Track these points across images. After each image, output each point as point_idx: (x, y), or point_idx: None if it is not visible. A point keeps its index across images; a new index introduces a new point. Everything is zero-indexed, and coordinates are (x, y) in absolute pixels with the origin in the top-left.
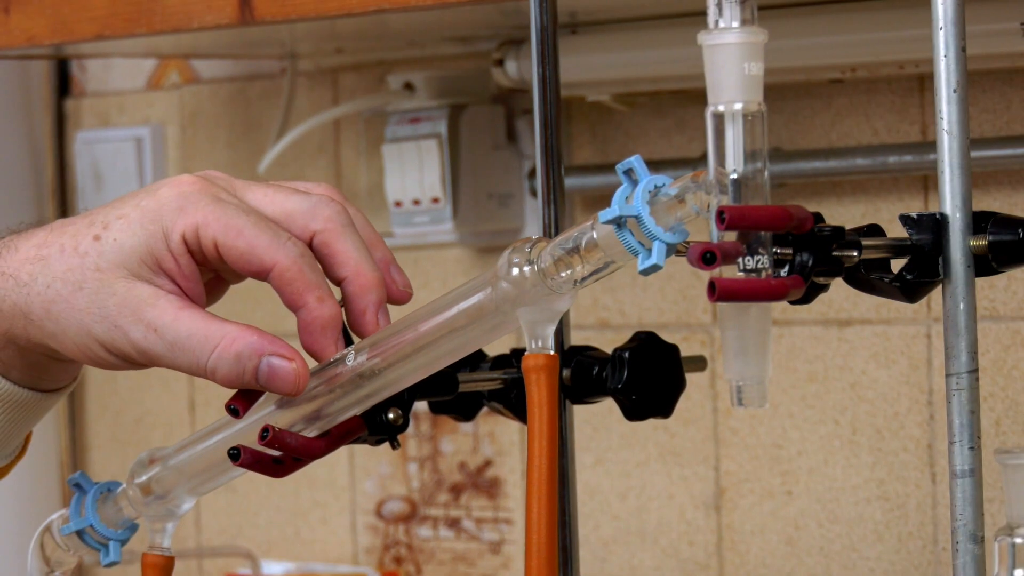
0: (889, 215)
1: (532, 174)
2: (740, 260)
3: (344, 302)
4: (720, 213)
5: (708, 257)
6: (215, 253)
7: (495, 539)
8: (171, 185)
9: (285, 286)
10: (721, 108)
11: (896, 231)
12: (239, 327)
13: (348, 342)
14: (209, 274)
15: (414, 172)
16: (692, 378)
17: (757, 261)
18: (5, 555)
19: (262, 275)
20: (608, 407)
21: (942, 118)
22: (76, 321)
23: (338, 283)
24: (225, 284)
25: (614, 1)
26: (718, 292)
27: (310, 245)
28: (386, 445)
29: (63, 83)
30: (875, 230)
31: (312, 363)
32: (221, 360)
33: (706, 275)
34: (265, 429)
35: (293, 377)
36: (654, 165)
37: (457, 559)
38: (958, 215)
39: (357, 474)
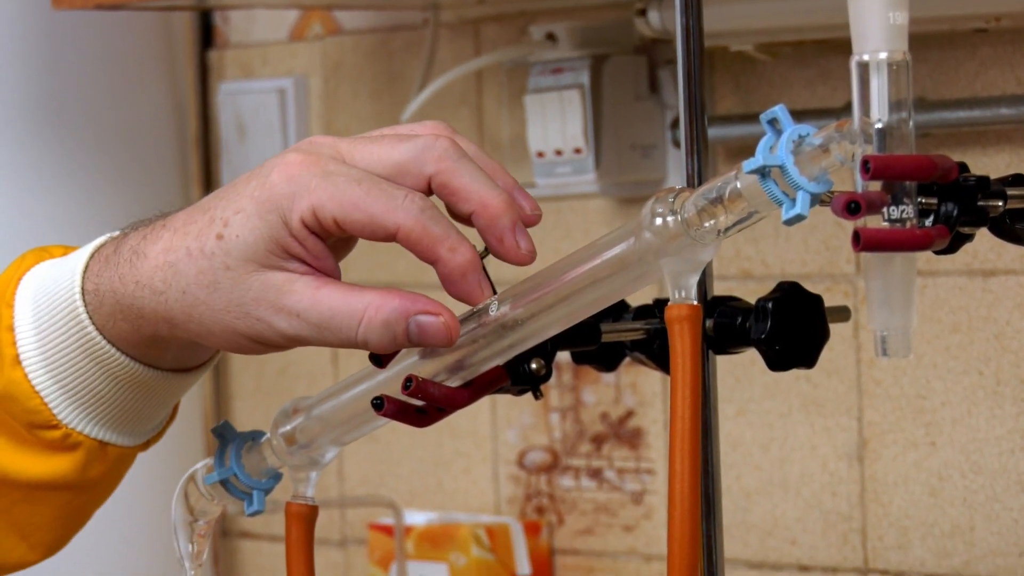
0: None
1: (675, 124)
2: (885, 210)
3: (480, 234)
4: (865, 163)
5: (853, 207)
6: (337, 228)
7: (637, 489)
8: (280, 168)
9: (413, 246)
10: (866, 57)
11: None
12: (379, 293)
13: (490, 292)
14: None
15: (556, 123)
16: (835, 329)
17: (902, 211)
18: (150, 504)
19: (388, 239)
20: (751, 357)
21: None
22: (219, 321)
23: (467, 218)
24: (353, 240)
25: None
26: (863, 242)
27: (429, 189)
28: (528, 395)
29: (206, 34)
30: (1020, 180)
31: (461, 308)
32: (370, 331)
33: (849, 225)
34: (408, 379)
35: (444, 331)
36: (797, 115)
37: (599, 509)
38: None
39: (499, 424)
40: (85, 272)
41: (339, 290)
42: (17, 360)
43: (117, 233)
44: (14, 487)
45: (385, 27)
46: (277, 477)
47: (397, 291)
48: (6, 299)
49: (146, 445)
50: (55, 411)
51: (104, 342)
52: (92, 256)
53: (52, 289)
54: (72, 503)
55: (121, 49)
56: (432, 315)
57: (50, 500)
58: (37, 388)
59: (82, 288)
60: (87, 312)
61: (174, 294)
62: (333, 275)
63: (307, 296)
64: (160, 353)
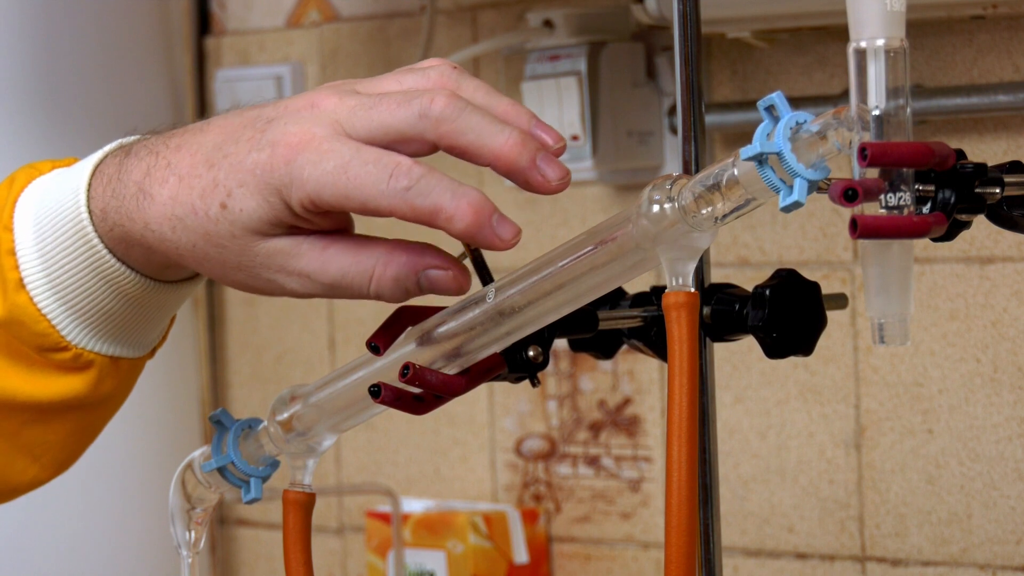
0: None
1: (672, 111)
2: (882, 197)
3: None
4: (862, 150)
5: (850, 194)
6: (339, 208)
7: (634, 477)
8: (282, 145)
9: (411, 221)
10: (863, 44)
11: None
12: (386, 248)
13: (487, 279)
14: None
15: (554, 110)
16: (832, 316)
17: (899, 198)
18: (147, 492)
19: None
20: (748, 345)
21: None
22: (230, 275)
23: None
24: None
25: None
26: (860, 229)
27: (437, 149)
28: (525, 383)
29: (203, 21)
30: (1017, 167)
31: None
32: (382, 287)
33: (847, 212)
34: (406, 366)
35: (454, 284)
36: (794, 102)
37: (596, 497)
38: None
39: (496, 412)
40: (89, 191)
41: (347, 248)
42: (21, 284)
43: (114, 146)
44: (24, 409)
45: (382, 14)
46: (274, 465)
47: (404, 244)
48: (3, 222)
49: (152, 353)
50: (64, 333)
51: (116, 262)
52: (93, 174)
53: (55, 209)
54: (84, 419)
55: (118, 36)
56: (441, 269)
57: (62, 419)
58: (43, 311)
59: (88, 209)
60: (98, 234)
61: (185, 245)
62: (341, 226)
63: (316, 258)
64: (171, 272)
